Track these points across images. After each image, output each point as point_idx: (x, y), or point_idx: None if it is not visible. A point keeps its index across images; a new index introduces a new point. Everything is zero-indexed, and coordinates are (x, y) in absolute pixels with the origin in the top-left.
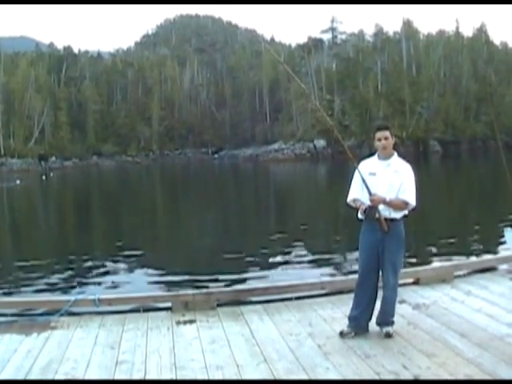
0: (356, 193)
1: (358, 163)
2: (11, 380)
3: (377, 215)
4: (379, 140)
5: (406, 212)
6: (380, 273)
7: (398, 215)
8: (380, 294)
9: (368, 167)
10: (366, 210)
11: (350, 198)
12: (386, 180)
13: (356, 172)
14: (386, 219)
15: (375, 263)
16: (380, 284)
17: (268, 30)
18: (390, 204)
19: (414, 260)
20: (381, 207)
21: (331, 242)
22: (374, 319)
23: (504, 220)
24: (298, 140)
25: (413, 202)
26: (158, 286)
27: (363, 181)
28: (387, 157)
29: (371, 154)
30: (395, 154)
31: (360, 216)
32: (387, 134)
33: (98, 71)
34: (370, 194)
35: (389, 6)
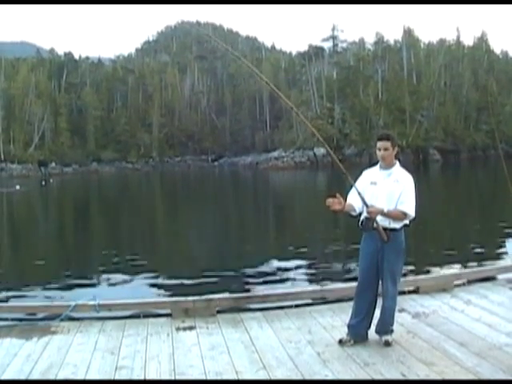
0: (351, 199)
1: (361, 172)
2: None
3: (374, 225)
4: (379, 150)
5: (406, 222)
6: (380, 282)
7: (397, 225)
8: (379, 302)
9: (370, 176)
10: (363, 221)
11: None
12: (385, 190)
13: (357, 180)
14: (385, 229)
15: (375, 272)
16: (379, 292)
17: (269, 38)
18: (388, 215)
19: (413, 269)
20: (379, 218)
21: (331, 249)
22: (373, 327)
23: (504, 229)
24: (297, 148)
25: (412, 212)
26: (159, 293)
27: (359, 194)
28: (389, 166)
29: (374, 164)
30: (397, 163)
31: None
32: (387, 144)
33: (98, 77)
34: (366, 206)
35: (389, 15)
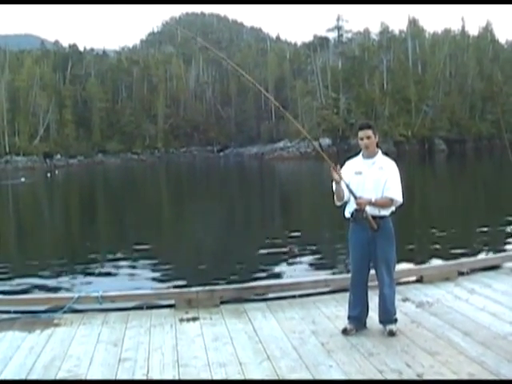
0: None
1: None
2: (14, 380)
3: (364, 215)
4: (361, 139)
5: (393, 208)
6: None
7: (386, 212)
8: (376, 291)
9: (354, 166)
10: (353, 213)
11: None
12: (371, 178)
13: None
14: (375, 217)
15: (367, 261)
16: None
17: (274, 29)
18: (376, 204)
19: (417, 258)
20: (368, 207)
21: (335, 239)
22: (376, 317)
23: (509, 218)
24: (303, 138)
25: (399, 198)
26: (162, 284)
27: (347, 186)
28: (371, 155)
29: (356, 153)
30: (379, 151)
31: (347, 215)
32: (369, 132)
33: (103, 69)
34: (355, 197)
35: (394, 5)
